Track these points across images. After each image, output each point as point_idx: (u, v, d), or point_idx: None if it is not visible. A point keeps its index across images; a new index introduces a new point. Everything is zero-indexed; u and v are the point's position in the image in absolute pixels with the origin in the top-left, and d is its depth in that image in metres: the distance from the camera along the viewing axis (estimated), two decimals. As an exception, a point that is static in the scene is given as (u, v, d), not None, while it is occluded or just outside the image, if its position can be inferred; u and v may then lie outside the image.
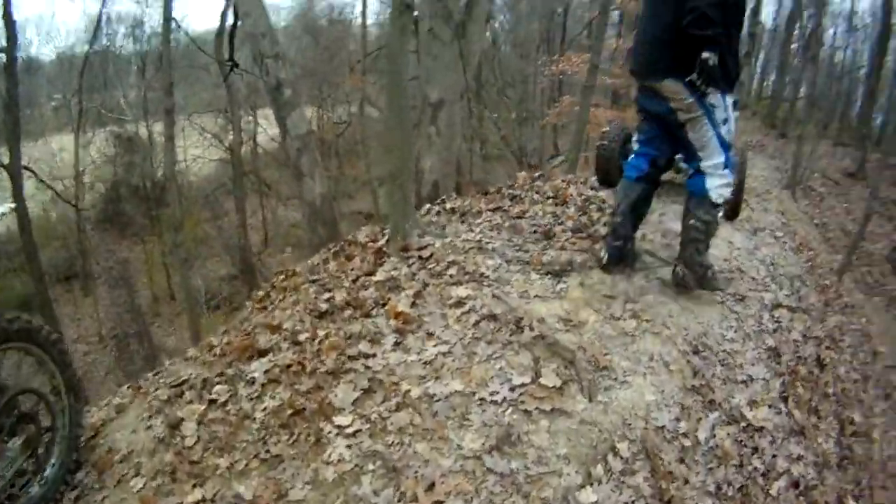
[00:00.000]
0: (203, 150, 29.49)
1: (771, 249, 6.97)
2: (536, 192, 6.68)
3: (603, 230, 5.38)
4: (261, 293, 5.63)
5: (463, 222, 5.90)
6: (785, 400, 4.66)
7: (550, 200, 6.37)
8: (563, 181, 7.42)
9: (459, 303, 4.12)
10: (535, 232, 5.43)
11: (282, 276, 5.63)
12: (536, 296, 4.29)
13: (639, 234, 5.14)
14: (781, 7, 34.70)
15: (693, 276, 4.58)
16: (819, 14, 29.69)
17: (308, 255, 6.70)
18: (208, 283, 24.48)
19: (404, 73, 5.05)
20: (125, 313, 23.23)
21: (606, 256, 4.73)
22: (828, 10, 30.08)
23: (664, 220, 6.14)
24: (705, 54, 3.82)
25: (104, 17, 27.18)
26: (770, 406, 4.38)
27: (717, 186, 4.39)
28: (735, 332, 4.75)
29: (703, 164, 4.35)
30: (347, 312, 4.20)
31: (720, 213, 4.66)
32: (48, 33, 39.56)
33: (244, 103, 26.99)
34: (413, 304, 4.16)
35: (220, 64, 12.68)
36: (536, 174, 7.89)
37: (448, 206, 6.60)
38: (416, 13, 12.38)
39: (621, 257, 4.81)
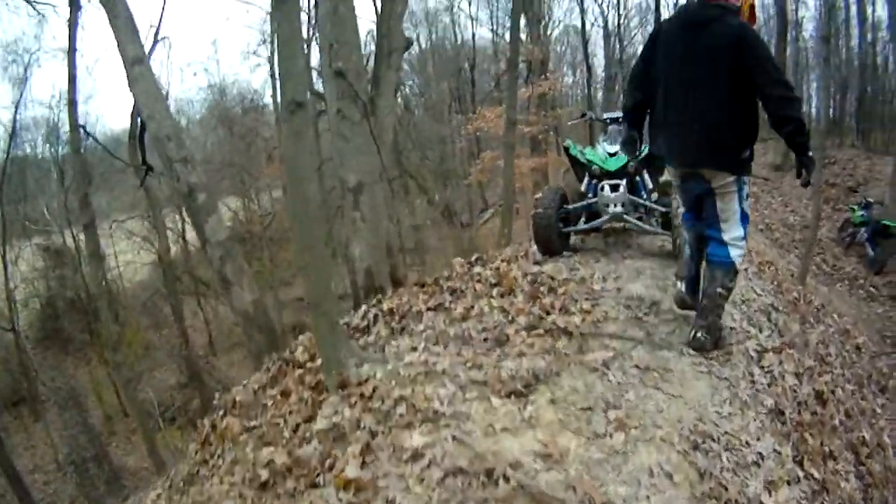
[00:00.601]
0: (134, 255, 28.75)
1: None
2: (478, 281, 6.02)
3: (559, 319, 4.90)
4: (197, 445, 4.94)
5: (403, 330, 5.24)
6: (800, 463, 4.13)
7: (495, 290, 5.71)
8: (503, 260, 6.83)
9: (416, 455, 3.40)
10: (485, 339, 4.72)
11: (221, 413, 5.00)
12: (503, 429, 3.55)
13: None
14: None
15: (712, 340, 4.59)
16: None
17: (250, 363, 6.23)
18: (160, 395, 23.43)
19: (308, 183, 4.39)
20: (80, 435, 22.13)
21: (682, 288, 4.94)
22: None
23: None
24: (808, 156, 4.10)
25: (18, 124, 26.50)
26: (788, 482, 3.79)
27: (738, 256, 4.50)
28: (730, 403, 4.16)
29: (726, 237, 4.44)
30: (290, 483, 3.53)
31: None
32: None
33: (168, 203, 26.16)
34: (363, 464, 3.44)
35: (135, 168, 12.06)
36: (474, 258, 7.29)
37: (385, 306, 6.00)
38: (319, 105, 11.90)
39: (694, 291, 4.88)
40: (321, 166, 13.96)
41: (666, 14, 30.20)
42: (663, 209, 6.62)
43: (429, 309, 5.59)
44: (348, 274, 12.20)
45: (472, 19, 36.43)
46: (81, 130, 15.62)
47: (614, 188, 6.56)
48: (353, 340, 4.86)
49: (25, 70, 26.36)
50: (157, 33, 23.23)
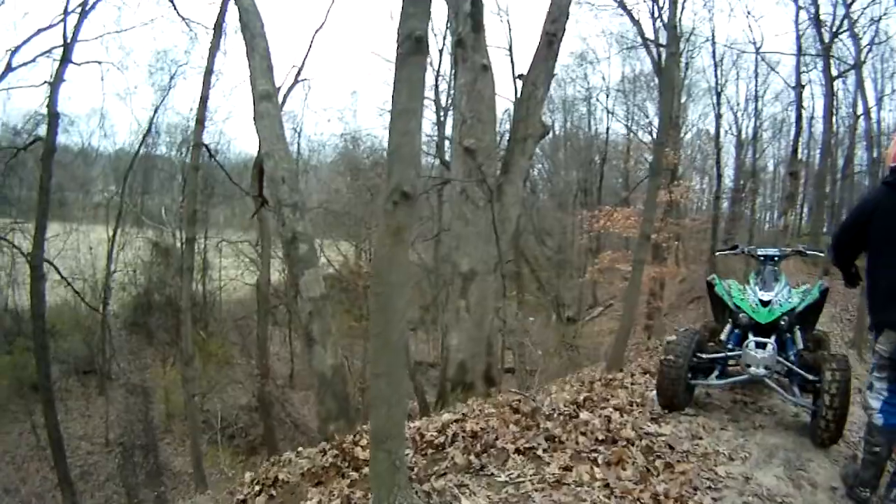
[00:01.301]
0: (238, 272, 28.85)
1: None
2: (582, 433, 5.02)
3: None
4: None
5: (481, 471, 4.43)
6: None
7: (601, 451, 4.71)
8: (616, 409, 5.69)
9: None
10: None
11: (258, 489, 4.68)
12: None
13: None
14: (812, 140, 33.55)
15: None
16: (853, 141, 29.48)
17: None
18: (226, 410, 23.08)
19: (399, 296, 3.55)
20: (137, 422, 22.54)
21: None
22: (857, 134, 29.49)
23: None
24: None
25: (154, 126, 28.13)
26: None
27: None
28: None
29: None
30: None
31: None
32: (102, 128, 40.29)
33: (278, 237, 25.84)
34: None
35: (253, 197, 11.69)
36: (581, 397, 6.21)
37: (469, 426, 5.27)
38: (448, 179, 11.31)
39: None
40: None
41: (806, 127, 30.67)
42: (811, 377, 5.47)
43: (517, 451, 4.71)
44: (440, 363, 11.39)
45: (608, 112, 34.85)
46: (203, 149, 15.54)
47: (761, 346, 5.50)
48: (414, 487, 3.96)
49: (171, 79, 27.93)
50: (298, 73, 23.70)
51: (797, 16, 25.65)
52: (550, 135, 36.55)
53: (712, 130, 31.61)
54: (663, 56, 22.36)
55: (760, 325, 5.71)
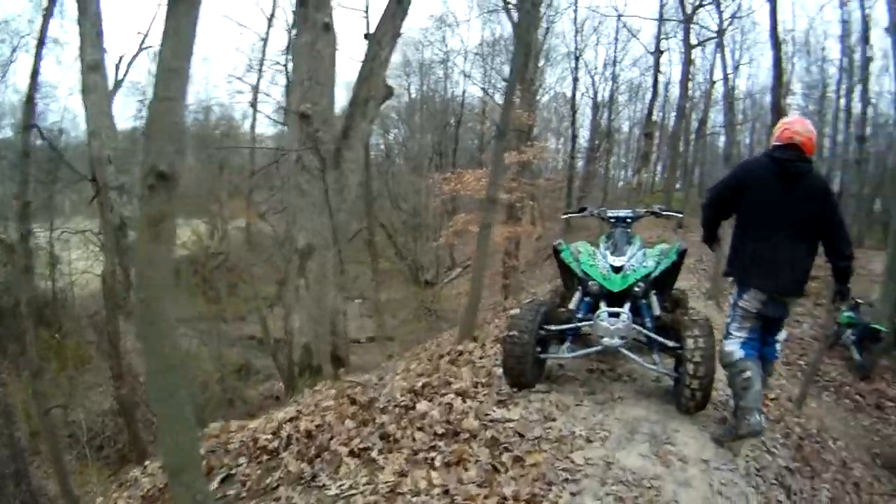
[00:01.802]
0: (89, 265, 25.37)
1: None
2: (419, 428, 4.35)
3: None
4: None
5: (313, 481, 3.90)
6: None
7: (441, 443, 4.07)
8: (458, 393, 4.99)
9: None
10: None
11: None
12: None
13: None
14: (668, 103, 35.10)
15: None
16: (707, 105, 30.64)
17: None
18: (91, 419, 20.58)
19: (162, 300, 2.68)
20: (2, 447, 19.96)
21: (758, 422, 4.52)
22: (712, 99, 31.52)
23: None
24: (848, 286, 5.06)
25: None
26: None
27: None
28: None
29: (779, 337, 5.06)
30: None
31: None
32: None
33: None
34: None
35: (90, 181, 10.29)
36: (420, 382, 5.45)
37: (303, 425, 4.77)
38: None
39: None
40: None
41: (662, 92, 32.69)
42: (672, 343, 5.02)
43: (352, 453, 4.15)
44: (286, 347, 10.53)
45: (464, 75, 34.46)
46: (37, 130, 13.66)
47: (615, 315, 4.96)
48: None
49: (12, 52, 23.65)
50: (143, 41, 21.91)
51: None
52: (406, 98, 36.47)
53: (569, 93, 32.22)
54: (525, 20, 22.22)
55: (613, 293, 5.21)
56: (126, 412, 20.14)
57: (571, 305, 5.43)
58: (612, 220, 5.89)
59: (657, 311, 5.34)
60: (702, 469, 4.11)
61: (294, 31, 18.15)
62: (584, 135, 34.34)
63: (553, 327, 5.30)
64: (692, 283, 14.60)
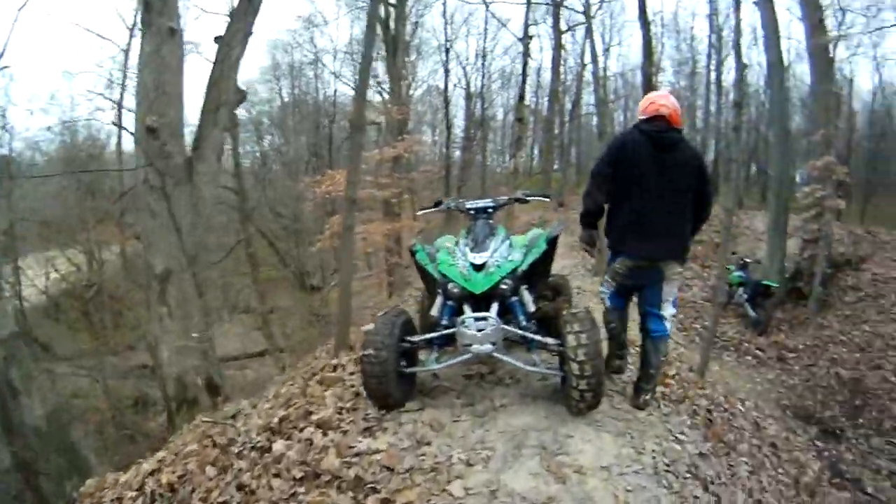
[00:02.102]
0: None
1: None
2: (276, 475, 3.78)
3: None
4: None
5: None
6: None
7: (300, 490, 3.57)
8: (318, 426, 4.35)
9: None
10: None
11: None
12: None
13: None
14: (540, 88, 36.07)
15: (653, 397, 5.20)
16: (580, 88, 31.71)
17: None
18: None
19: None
20: None
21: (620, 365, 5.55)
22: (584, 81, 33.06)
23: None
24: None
25: None
26: None
27: (671, 327, 5.22)
28: None
29: (665, 314, 5.07)
30: None
31: None
32: None
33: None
34: None
35: None
36: (277, 417, 4.77)
37: (164, 478, 4.30)
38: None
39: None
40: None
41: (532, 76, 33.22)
42: (552, 341, 4.54)
43: None
44: (159, 381, 9.71)
45: (334, 75, 34.03)
46: None
47: (482, 319, 4.44)
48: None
49: None
50: (-1, 59, 20.27)
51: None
52: (278, 102, 35.59)
53: (442, 86, 32.67)
54: (392, 15, 22.48)
55: (477, 295, 4.66)
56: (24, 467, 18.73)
57: (434, 311, 4.87)
58: (472, 212, 5.34)
59: (531, 307, 4.82)
60: (603, 478, 3.69)
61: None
62: (459, 125, 34.82)
63: (416, 338, 4.76)
64: (576, 260, 14.48)
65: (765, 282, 14.07)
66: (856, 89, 30.36)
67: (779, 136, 16.28)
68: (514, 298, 4.77)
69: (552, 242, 5.10)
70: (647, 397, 5.07)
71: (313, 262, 27.78)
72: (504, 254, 4.83)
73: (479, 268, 4.69)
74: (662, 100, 4.94)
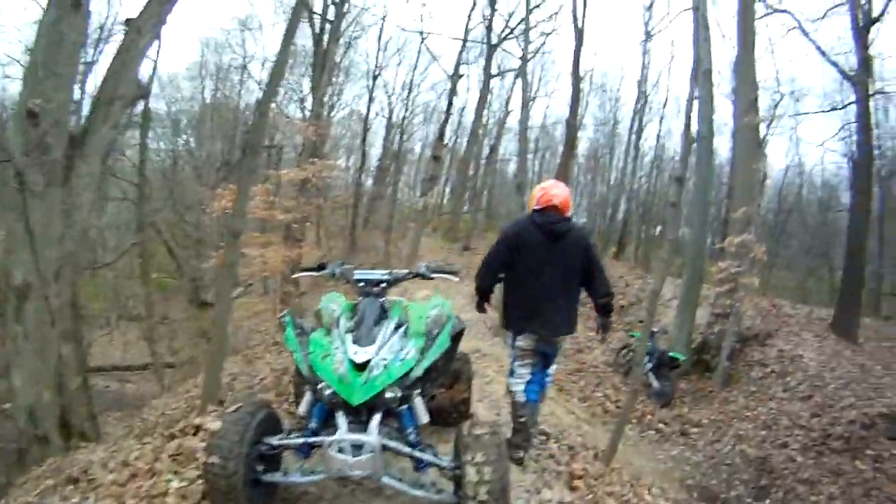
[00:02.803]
0: None
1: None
2: None
3: None
4: None
5: None
6: None
7: None
8: None
9: None
10: None
11: None
12: None
13: None
14: (461, 128, 36.07)
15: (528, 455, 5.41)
16: (500, 133, 31.15)
17: None
18: None
19: None
20: None
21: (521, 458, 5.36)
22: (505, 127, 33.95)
23: None
24: (610, 319, 5.70)
25: None
26: None
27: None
28: None
29: (551, 371, 5.53)
30: None
31: None
32: None
33: None
34: None
35: None
36: None
37: None
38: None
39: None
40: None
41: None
42: (446, 464, 3.58)
43: None
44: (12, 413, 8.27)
45: (258, 85, 31.89)
46: None
47: (357, 446, 3.40)
48: None
49: None
50: None
51: (471, 12, 27.63)
52: (199, 102, 34.43)
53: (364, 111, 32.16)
54: (326, 29, 21.83)
55: (354, 407, 3.58)
56: None
57: (301, 409, 3.84)
58: (361, 285, 4.28)
59: (424, 418, 3.80)
60: None
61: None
62: (376, 154, 34.67)
63: (276, 441, 3.69)
64: (480, 315, 13.65)
65: (672, 353, 13.46)
66: (768, 165, 31.01)
67: (699, 208, 16.00)
68: (405, 407, 3.73)
69: (457, 337, 4.16)
70: (522, 455, 5.34)
71: (210, 276, 26.36)
72: (395, 349, 3.74)
73: (360, 367, 3.59)
74: (555, 189, 5.41)
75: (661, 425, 12.22)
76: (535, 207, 5.34)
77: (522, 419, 5.31)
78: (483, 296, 5.69)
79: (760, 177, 14.80)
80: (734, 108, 16.59)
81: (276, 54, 8.01)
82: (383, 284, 4.27)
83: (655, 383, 13.35)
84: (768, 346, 14.20)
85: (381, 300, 4.17)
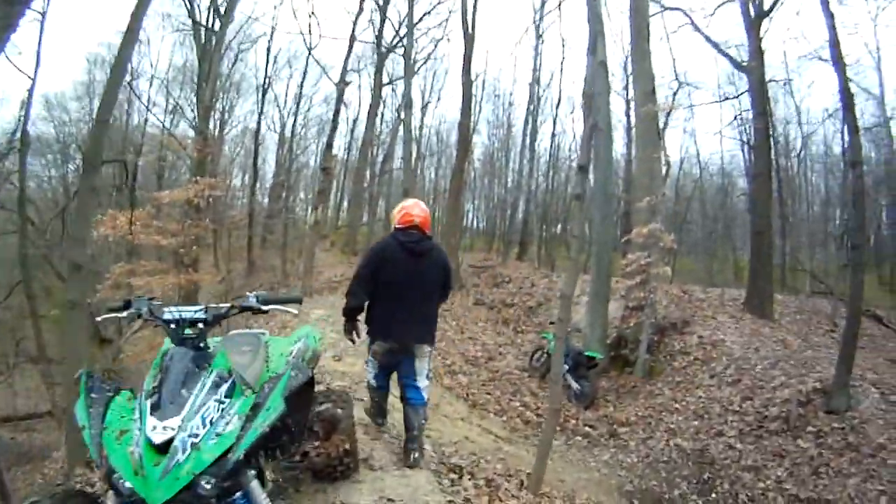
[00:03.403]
0: None
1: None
2: None
3: None
4: None
5: None
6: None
7: None
8: None
9: None
10: None
11: None
12: None
13: None
14: (353, 138, 35.92)
15: (422, 456, 5.64)
16: (393, 140, 33.45)
17: None
18: None
19: None
20: None
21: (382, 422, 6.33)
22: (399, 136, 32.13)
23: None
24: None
25: None
26: None
27: (426, 395, 5.73)
28: None
29: (421, 385, 5.65)
30: None
31: None
32: None
33: None
34: None
35: None
36: None
37: None
38: None
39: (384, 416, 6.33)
40: None
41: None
42: None
43: None
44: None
45: (146, 107, 30.15)
46: None
47: None
48: None
49: None
50: None
51: (357, 17, 25.79)
52: (86, 123, 31.94)
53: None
54: (212, 42, 20.91)
55: None
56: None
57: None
58: (172, 327, 3.14)
59: None
60: None
61: None
62: (270, 170, 34.28)
63: None
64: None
65: (588, 352, 12.73)
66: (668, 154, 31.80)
67: (601, 201, 15.42)
68: (237, 496, 2.69)
69: (307, 386, 3.26)
70: (417, 455, 5.60)
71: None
72: (211, 417, 2.62)
73: (161, 449, 2.48)
74: (416, 209, 5.73)
75: (587, 429, 11.42)
76: (398, 226, 5.72)
77: (376, 399, 6.20)
78: (351, 316, 5.86)
79: (662, 166, 14.53)
80: (630, 103, 16.31)
81: (119, 52, 6.91)
82: (201, 324, 3.14)
83: (575, 385, 12.55)
84: (687, 333, 13.73)
85: (201, 346, 3.10)
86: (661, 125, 16.45)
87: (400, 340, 5.64)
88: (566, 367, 12.18)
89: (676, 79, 25.69)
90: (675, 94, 25.58)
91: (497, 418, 10.90)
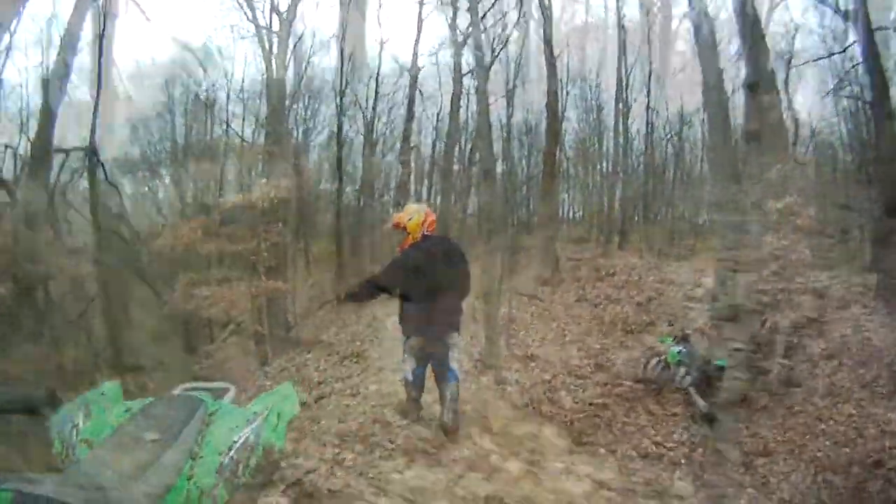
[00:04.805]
0: None
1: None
2: None
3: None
4: None
5: None
6: None
7: None
8: None
9: None
10: None
11: None
12: None
13: None
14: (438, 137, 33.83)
15: (457, 421, 6.35)
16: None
17: None
18: None
19: None
20: None
21: (420, 415, 6.77)
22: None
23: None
24: None
25: None
26: None
27: (458, 371, 6.43)
28: None
29: (454, 365, 6.30)
30: None
31: None
32: None
33: None
34: None
35: None
36: None
37: None
38: None
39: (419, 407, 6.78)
40: None
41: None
42: None
43: None
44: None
45: (227, 122, 29.22)
46: None
47: None
48: None
49: None
50: None
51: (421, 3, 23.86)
52: None
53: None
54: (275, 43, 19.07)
55: None
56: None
57: None
58: None
59: None
60: None
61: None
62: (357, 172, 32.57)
63: None
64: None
65: (718, 362, 9.68)
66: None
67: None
68: None
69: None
70: (451, 415, 6.29)
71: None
72: None
73: None
74: (431, 217, 6.47)
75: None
76: (426, 233, 6.34)
77: (414, 393, 6.68)
78: (361, 299, 7.47)
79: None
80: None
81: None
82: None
83: (700, 402, 9.61)
84: (826, 331, 10.75)
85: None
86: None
87: (433, 334, 6.27)
88: (688, 378, 9.81)
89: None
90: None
91: (609, 458, 8.33)
